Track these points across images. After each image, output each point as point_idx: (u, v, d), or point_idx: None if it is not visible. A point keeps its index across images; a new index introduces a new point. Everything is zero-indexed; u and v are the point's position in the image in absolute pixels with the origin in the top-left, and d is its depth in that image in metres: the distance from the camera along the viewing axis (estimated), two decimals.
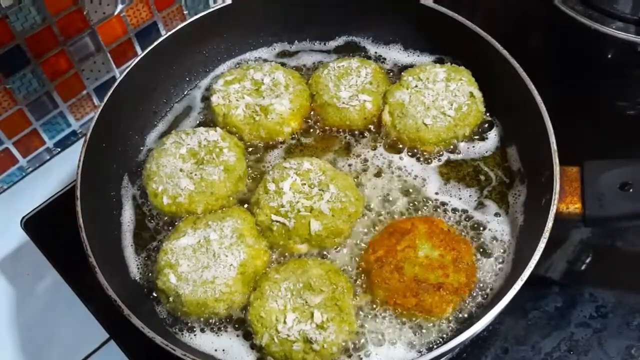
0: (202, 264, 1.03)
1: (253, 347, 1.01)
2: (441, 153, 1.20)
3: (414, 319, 1.01)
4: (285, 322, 0.96)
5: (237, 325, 1.04)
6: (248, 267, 1.04)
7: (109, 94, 1.16)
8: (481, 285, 1.04)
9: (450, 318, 1.02)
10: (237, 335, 1.03)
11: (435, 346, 0.99)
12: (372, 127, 1.25)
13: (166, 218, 1.16)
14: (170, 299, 1.03)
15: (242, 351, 1.02)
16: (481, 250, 1.08)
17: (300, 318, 0.97)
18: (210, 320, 1.04)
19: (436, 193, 1.15)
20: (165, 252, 1.06)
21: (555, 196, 0.99)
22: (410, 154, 1.21)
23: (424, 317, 1.00)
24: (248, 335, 1.02)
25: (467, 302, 1.03)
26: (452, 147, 1.21)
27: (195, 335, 1.04)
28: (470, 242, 1.08)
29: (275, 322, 0.97)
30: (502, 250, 1.08)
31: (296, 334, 0.96)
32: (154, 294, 1.07)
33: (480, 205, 1.14)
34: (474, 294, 1.03)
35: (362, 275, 1.06)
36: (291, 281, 1.01)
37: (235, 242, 1.05)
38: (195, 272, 1.02)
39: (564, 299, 1.13)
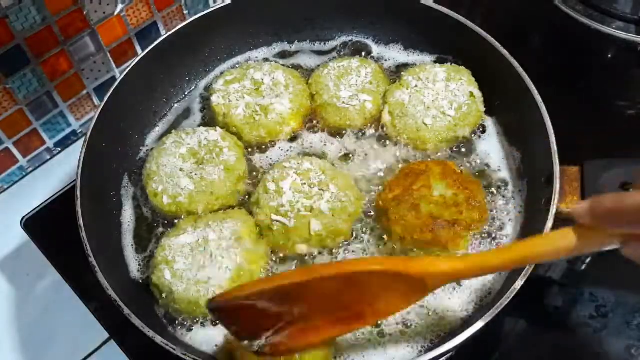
0: (199, 263, 1.03)
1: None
2: (441, 153, 1.20)
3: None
4: None
5: None
6: (243, 271, 1.03)
7: (109, 93, 1.17)
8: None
9: None
10: None
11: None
12: (372, 126, 1.25)
13: (166, 218, 1.16)
14: (164, 295, 1.03)
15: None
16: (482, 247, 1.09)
17: None
18: (209, 321, 1.04)
19: None
20: (163, 248, 1.06)
21: (556, 196, 0.99)
22: (410, 153, 1.21)
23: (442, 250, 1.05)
24: None
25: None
26: (452, 147, 1.21)
27: (195, 334, 1.04)
28: (480, 182, 1.13)
29: None
30: None
31: None
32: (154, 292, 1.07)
33: None
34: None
35: (380, 213, 1.10)
36: None
37: (233, 245, 1.05)
38: (190, 271, 1.03)
39: (564, 298, 1.14)
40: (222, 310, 0.85)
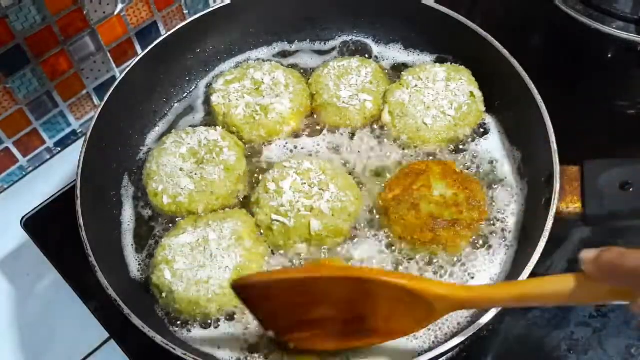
0: (199, 262, 1.03)
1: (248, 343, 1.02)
2: (441, 153, 1.20)
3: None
4: None
5: (233, 321, 1.04)
6: (243, 270, 1.03)
7: (109, 93, 1.17)
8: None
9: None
10: (234, 334, 1.03)
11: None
12: (372, 126, 1.25)
13: (166, 218, 1.16)
14: (164, 294, 1.03)
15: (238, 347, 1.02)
16: (481, 247, 1.08)
17: None
18: (209, 321, 1.04)
19: None
20: (163, 247, 1.07)
21: (555, 195, 0.99)
22: (410, 152, 1.21)
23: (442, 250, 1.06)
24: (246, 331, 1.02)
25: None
26: (452, 146, 1.21)
27: (195, 334, 1.04)
28: (480, 182, 1.13)
29: None
30: (502, 250, 1.08)
31: None
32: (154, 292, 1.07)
33: None
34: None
35: (380, 213, 1.11)
36: None
37: (233, 245, 1.05)
38: (190, 271, 1.03)
39: None
40: (243, 293, 0.89)
